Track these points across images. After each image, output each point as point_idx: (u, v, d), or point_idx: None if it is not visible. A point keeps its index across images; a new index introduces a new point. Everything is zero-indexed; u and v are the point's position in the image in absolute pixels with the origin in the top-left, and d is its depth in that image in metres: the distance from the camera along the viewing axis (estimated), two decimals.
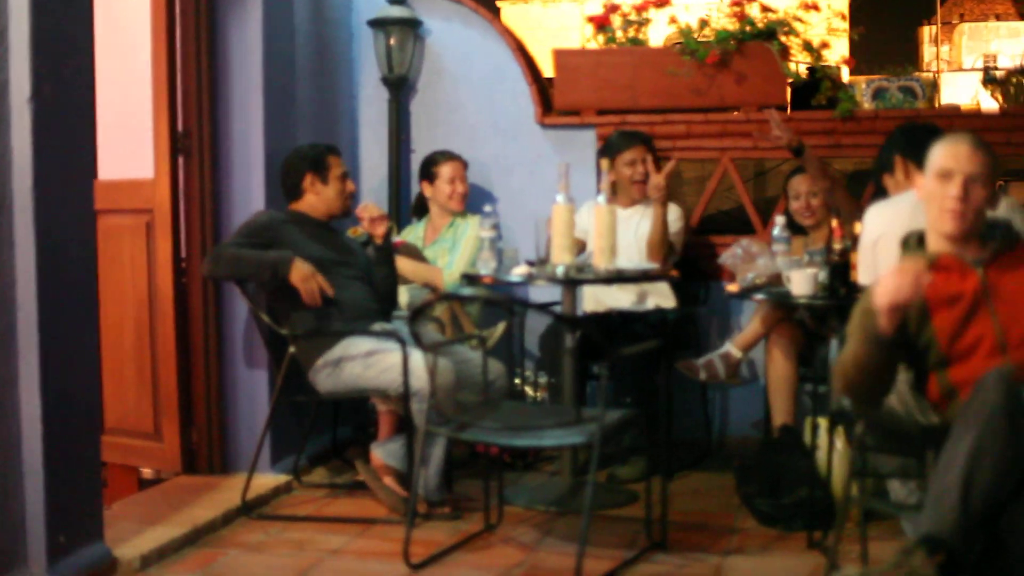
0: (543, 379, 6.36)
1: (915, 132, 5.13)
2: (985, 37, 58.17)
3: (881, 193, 5.23)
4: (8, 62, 3.97)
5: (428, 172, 6.67)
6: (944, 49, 57.05)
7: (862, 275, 4.80)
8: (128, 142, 5.60)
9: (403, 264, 6.09)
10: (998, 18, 59.02)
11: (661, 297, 6.25)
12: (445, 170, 6.61)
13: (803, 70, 6.71)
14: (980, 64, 50.30)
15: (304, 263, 5.30)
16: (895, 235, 4.25)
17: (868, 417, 3.91)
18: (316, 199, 5.61)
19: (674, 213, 6.27)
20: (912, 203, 4.44)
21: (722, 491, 5.69)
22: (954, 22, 57.18)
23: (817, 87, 6.70)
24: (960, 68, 54.90)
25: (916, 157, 4.81)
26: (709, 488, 5.83)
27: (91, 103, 4.35)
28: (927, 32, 59.57)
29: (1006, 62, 44.61)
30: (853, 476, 4.03)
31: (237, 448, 5.81)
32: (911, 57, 50.45)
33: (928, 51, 58.18)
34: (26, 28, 3.96)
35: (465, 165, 6.65)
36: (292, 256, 5.29)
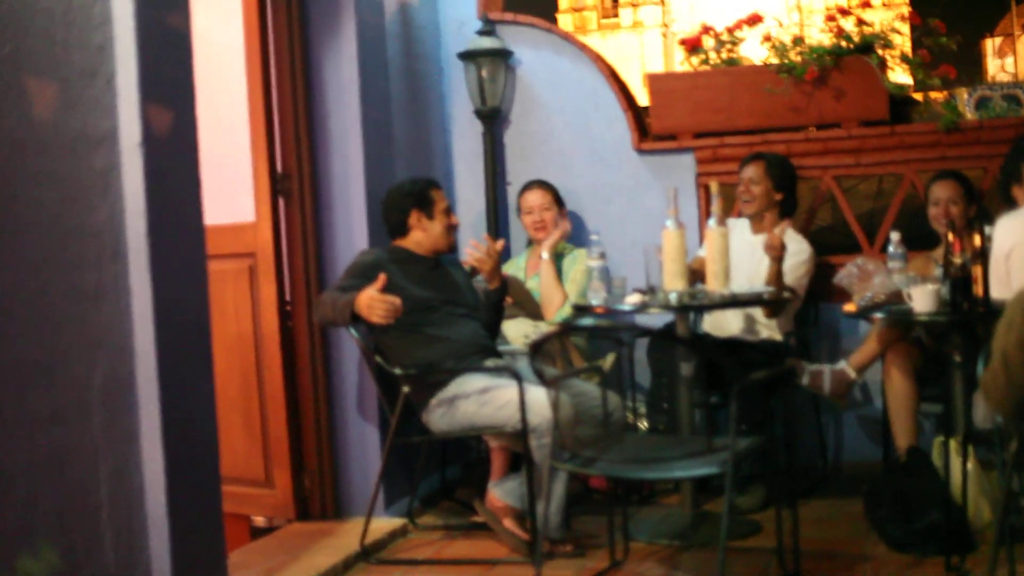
0: (642, 409, 6.24)
1: None
2: None
3: (1000, 205, 5.08)
4: (117, 107, 3.91)
5: (517, 204, 6.62)
6: (1008, 61, 56.68)
7: (994, 288, 4.65)
8: (227, 186, 5.52)
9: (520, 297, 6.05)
10: None
11: (770, 330, 6.11)
12: (524, 201, 6.58)
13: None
14: None
15: (364, 292, 5.10)
16: None
17: (1023, 434, 3.76)
18: (423, 235, 5.52)
19: (800, 255, 6.07)
20: None
21: (846, 517, 5.56)
22: (1017, 34, 56.76)
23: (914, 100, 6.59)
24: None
25: None
26: (833, 515, 5.67)
27: (195, 146, 4.27)
28: (990, 44, 59.23)
29: None
30: (1007, 495, 3.88)
31: (349, 492, 5.75)
32: (976, 69, 50.09)
33: (992, 64, 57.84)
34: (133, 72, 3.90)
35: (548, 191, 6.56)
36: (354, 295, 5.12)
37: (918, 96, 6.86)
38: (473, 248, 5.59)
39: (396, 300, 5.07)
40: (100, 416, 3.80)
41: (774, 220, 6.09)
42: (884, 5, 58.29)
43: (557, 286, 6.25)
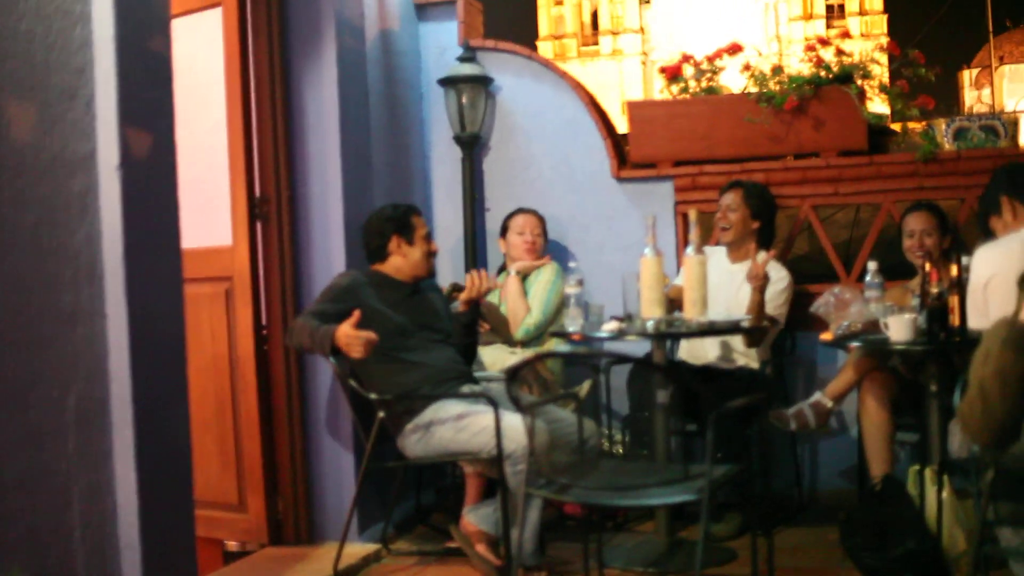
0: (618, 436, 6.22)
1: (1020, 172, 4.99)
2: None
3: (978, 236, 5.10)
4: (96, 130, 3.90)
5: (503, 227, 6.63)
6: (985, 92, 56.92)
7: (972, 318, 4.66)
8: (204, 209, 5.52)
9: (496, 323, 6.05)
10: None
11: (747, 358, 6.11)
12: (515, 222, 6.57)
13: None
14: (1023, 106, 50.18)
15: (341, 327, 5.10)
16: (1007, 275, 4.14)
17: (999, 463, 3.76)
18: (403, 261, 5.52)
19: (780, 283, 6.07)
20: (1023, 242, 4.33)
21: (822, 545, 5.54)
22: (994, 65, 57.00)
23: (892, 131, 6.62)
24: (1002, 110, 54.64)
25: (1023, 196, 4.71)
26: (808, 543, 5.66)
27: (174, 169, 4.26)
28: (967, 76, 59.52)
29: None
30: (982, 525, 3.88)
31: (323, 517, 5.72)
32: (953, 101, 50.32)
33: (969, 95, 58.09)
34: (113, 95, 3.90)
35: (540, 220, 6.56)
36: (332, 329, 5.11)
37: (896, 126, 6.88)
38: (476, 275, 5.61)
39: (372, 335, 5.06)
40: (74, 437, 3.79)
41: (753, 249, 6.07)
42: (863, 36, 58.66)
43: (522, 300, 6.28)
